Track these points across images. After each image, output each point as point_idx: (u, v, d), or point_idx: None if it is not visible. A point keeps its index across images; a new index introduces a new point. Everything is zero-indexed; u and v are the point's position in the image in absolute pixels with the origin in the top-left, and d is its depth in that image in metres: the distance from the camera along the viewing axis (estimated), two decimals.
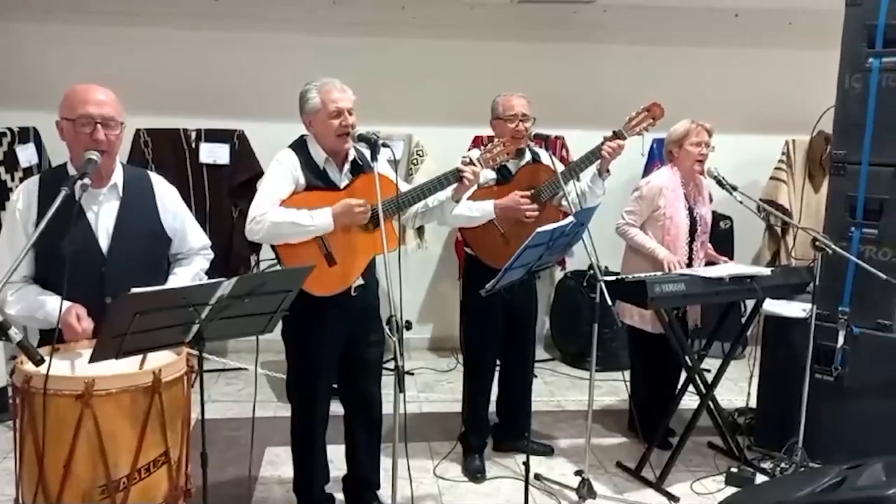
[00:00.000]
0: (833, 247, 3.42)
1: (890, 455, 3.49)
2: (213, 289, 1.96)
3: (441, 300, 5.49)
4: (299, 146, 2.89)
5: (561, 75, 5.33)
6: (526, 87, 5.16)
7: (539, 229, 2.55)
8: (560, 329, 5.48)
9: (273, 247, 2.82)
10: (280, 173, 2.79)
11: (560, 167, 3.45)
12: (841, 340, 3.64)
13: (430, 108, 4.91)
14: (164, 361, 2.17)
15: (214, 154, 4.82)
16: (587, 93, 5.29)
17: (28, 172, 4.72)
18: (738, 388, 4.73)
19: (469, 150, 4.34)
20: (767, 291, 3.53)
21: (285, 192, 2.77)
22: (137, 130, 4.77)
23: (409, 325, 2.79)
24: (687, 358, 3.61)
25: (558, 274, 5.53)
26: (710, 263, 3.88)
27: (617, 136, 3.44)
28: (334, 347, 2.95)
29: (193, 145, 4.83)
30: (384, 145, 2.71)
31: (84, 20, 4.92)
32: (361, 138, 2.77)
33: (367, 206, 2.74)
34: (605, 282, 3.20)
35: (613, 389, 4.83)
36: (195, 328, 2.06)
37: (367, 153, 2.90)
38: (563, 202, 3.39)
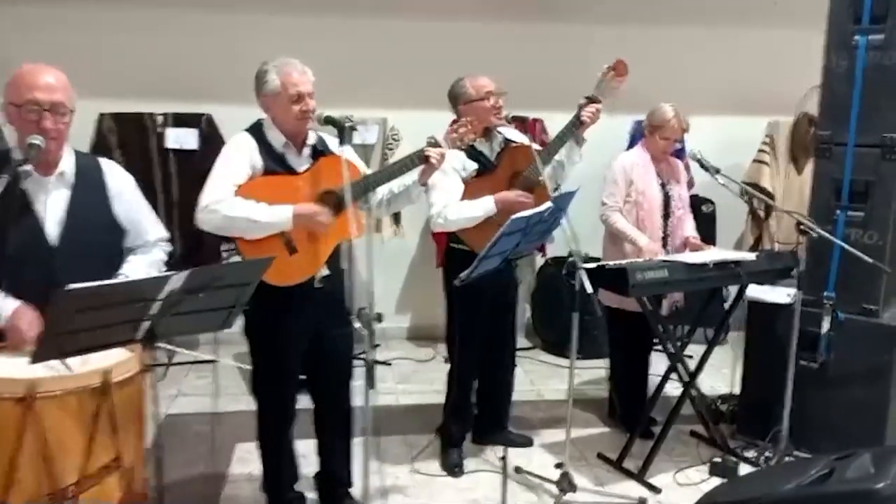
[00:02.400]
0: (818, 230, 3.34)
1: (875, 444, 3.48)
2: (161, 283, 1.82)
3: (419, 289, 5.36)
4: (256, 129, 2.75)
5: (540, 57, 5.19)
6: (504, 68, 5.02)
7: (514, 216, 2.43)
8: (541, 316, 5.38)
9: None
10: (236, 157, 2.64)
11: (526, 140, 3.33)
12: (826, 326, 3.56)
13: (405, 90, 4.76)
14: (115, 360, 2.04)
15: (181, 139, 4.65)
16: (567, 74, 5.09)
17: None
18: (721, 374, 4.65)
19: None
20: (751, 277, 3.44)
21: (241, 177, 2.62)
22: (101, 115, 4.62)
23: (379, 318, 2.63)
24: (669, 345, 3.51)
25: (539, 260, 5.43)
26: (695, 250, 3.78)
27: (591, 100, 3.35)
28: (299, 341, 2.82)
29: (159, 130, 4.67)
30: (352, 128, 2.57)
31: (44, 1, 4.72)
32: (329, 121, 2.63)
33: (328, 217, 2.64)
34: (586, 269, 3.12)
35: (595, 378, 4.74)
36: (146, 325, 1.93)
37: (329, 138, 2.81)
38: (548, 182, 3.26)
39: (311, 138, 2.78)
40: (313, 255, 2.70)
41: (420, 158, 2.79)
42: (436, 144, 2.82)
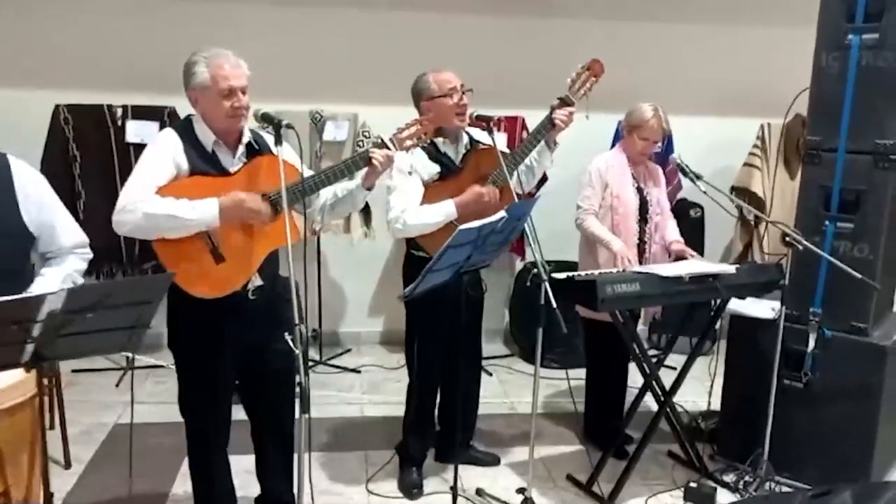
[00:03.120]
0: (804, 242, 3.13)
1: (862, 469, 3.27)
2: (37, 303, 1.61)
3: (393, 292, 5.07)
4: (184, 126, 2.53)
5: (523, 52, 4.98)
6: (485, 64, 4.83)
7: (461, 227, 2.21)
8: (519, 323, 5.16)
9: (149, 241, 2.44)
10: (158, 157, 2.42)
11: (501, 144, 3.12)
12: (812, 344, 3.35)
13: (377, 85, 4.53)
14: (1, 385, 1.82)
15: (142, 133, 4.40)
16: (551, 71, 4.85)
17: None
18: (703, 387, 4.40)
19: None
20: (732, 291, 3.23)
21: (163, 178, 2.39)
22: (57, 107, 4.38)
23: (315, 336, 2.50)
24: (644, 364, 3.30)
25: (518, 264, 5.22)
26: (679, 258, 3.57)
27: (565, 102, 3.14)
28: (230, 357, 2.60)
29: (119, 123, 4.43)
30: (289, 126, 2.36)
31: None
32: (265, 118, 2.42)
33: (260, 202, 2.41)
34: (553, 280, 2.91)
35: (574, 389, 4.50)
36: (30, 348, 1.71)
37: (269, 137, 2.60)
38: (516, 186, 3.04)
39: (247, 136, 2.56)
40: (243, 264, 2.48)
41: (364, 160, 2.58)
42: (382, 145, 2.61)
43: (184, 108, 4.52)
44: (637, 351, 3.27)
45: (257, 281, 2.55)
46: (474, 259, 2.46)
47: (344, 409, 4.19)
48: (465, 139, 3.22)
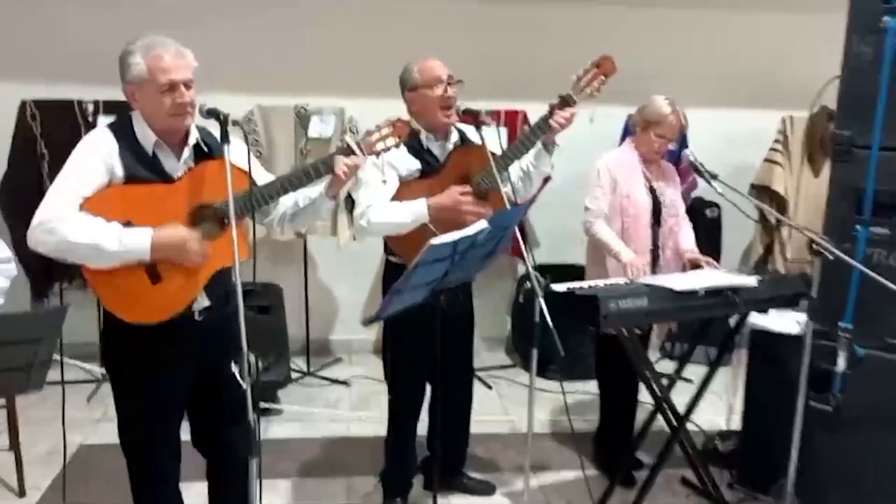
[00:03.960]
0: (833, 250, 2.77)
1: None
2: None
3: None
4: (121, 125, 2.21)
5: (525, 41, 4.66)
6: (483, 53, 4.52)
7: (433, 241, 1.89)
8: (522, 331, 4.83)
9: None
10: (86, 162, 2.10)
11: (494, 145, 2.79)
12: (841, 363, 2.99)
13: (365, 76, 4.21)
14: None
15: None
16: (555, 61, 4.53)
17: None
18: (722, 402, 4.09)
19: None
20: (752, 305, 2.90)
21: (91, 187, 2.08)
22: (23, 102, 4.10)
23: (267, 367, 2.27)
24: (655, 386, 2.97)
25: (520, 268, 4.89)
26: (694, 267, 3.23)
27: (566, 102, 2.80)
28: (177, 386, 2.30)
29: (91, 119, 4.15)
30: (234, 123, 2.05)
31: None
32: (211, 113, 2.11)
33: (202, 244, 2.13)
34: (550, 294, 2.60)
35: (579, 405, 4.20)
36: None
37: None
38: (501, 191, 2.70)
39: (193, 137, 2.25)
40: (184, 284, 2.17)
41: (326, 168, 2.26)
42: (348, 151, 2.29)
43: None
44: (647, 372, 2.94)
45: (204, 301, 2.24)
46: (454, 276, 2.14)
47: (329, 427, 3.89)
48: (456, 137, 2.90)
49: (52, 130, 4.13)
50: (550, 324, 2.41)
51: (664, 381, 3.31)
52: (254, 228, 2.32)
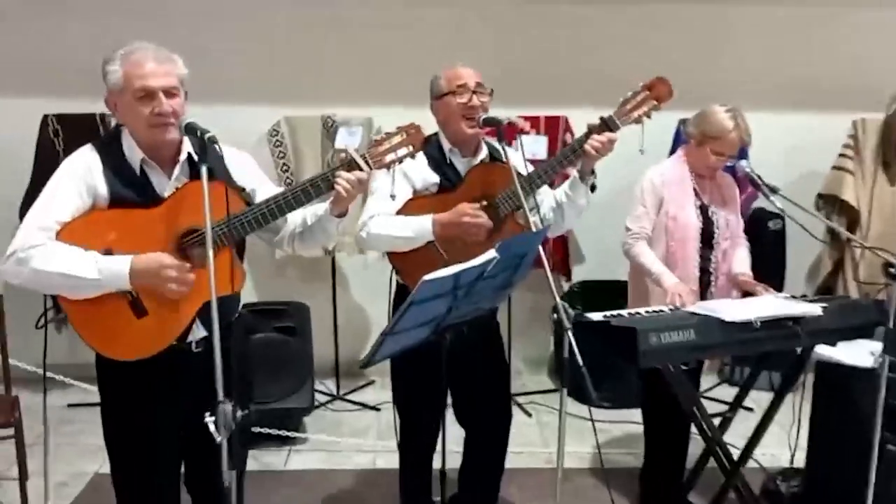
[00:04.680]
0: None
1: None
2: None
3: None
4: (109, 142, 2.03)
5: (564, 40, 4.36)
6: (519, 54, 4.25)
7: (426, 277, 1.61)
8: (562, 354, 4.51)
9: None
10: (64, 186, 1.93)
11: (520, 164, 2.51)
12: None
13: (394, 85, 3.98)
14: None
15: None
16: (600, 61, 4.30)
17: None
18: (785, 433, 3.71)
19: None
20: (817, 337, 2.55)
21: (67, 212, 1.91)
22: (45, 116, 4.00)
23: (249, 415, 2.02)
24: (706, 427, 2.64)
25: (564, 285, 4.58)
26: (747, 294, 2.89)
27: (606, 125, 2.46)
28: (171, 426, 2.09)
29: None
30: (212, 141, 1.82)
31: None
32: (189, 129, 1.89)
33: (182, 274, 1.90)
34: (583, 324, 2.31)
35: (625, 437, 3.86)
36: None
37: (226, 149, 2.08)
38: (528, 217, 2.40)
39: (186, 149, 2.05)
40: (172, 317, 1.96)
41: (327, 184, 2.02)
42: (351, 165, 2.04)
43: (186, 113, 4.14)
44: (697, 412, 2.61)
45: (200, 331, 2.04)
46: (461, 312, 1.86)
47: (354, 458, 3.65)
48: (485, 153, 2.62)
49: (74, 145, 3.91)
50: (580, 361, 2.12)
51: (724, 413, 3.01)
52: (236, 255, 2.08)
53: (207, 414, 1.72)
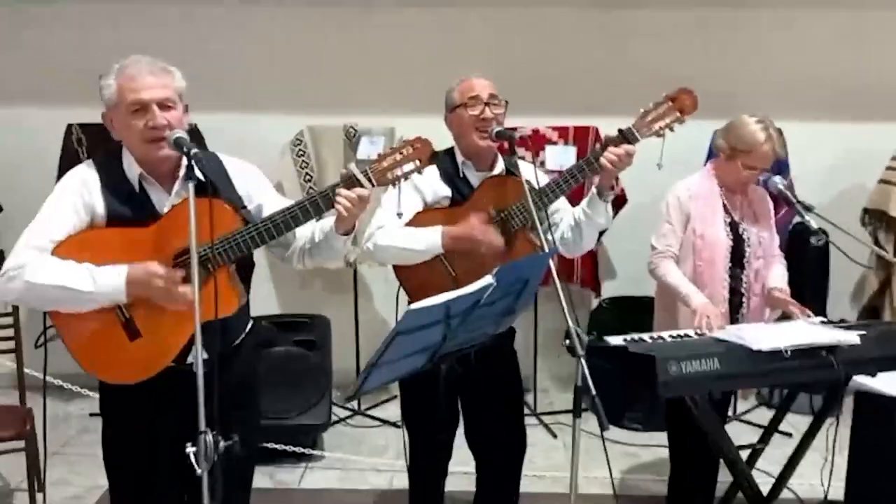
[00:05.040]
0: None
1: None
2: None
3: None
4: (109, 158, 1.98)
5: (593, 48, 4.24)
6: (546, 62, 4.13)
7: (412, 306, 1.50)
8: (592, 371, 4.35)
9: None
10: (59, 203, 1.90)
11: (530, 173, 2.39)
12: None
13: (416, 94, 3.88)
14: None
15: None
16: (630, 69, 4.15)
17: None
18: (823, 460, 3.50)
19: None
20: (854, 368, 2.37)
21: (62, 230, 1.87)
22: (69, 126, 4.01)
23: (233, 446, 1.94)
24: (734, 461, 2.47)
25: (594, 302, 4.42)
26: (783, 318, 2.72)
27: (624, 137, 2.32)
28: (171, 449, 2.00)
29: None
30: (197, 161, 1.75)
31: None
32: (177, 144, 1.82)
33: (175, 283, 1.83)
34: (599, 349, 2.18)
35: (656, 462, 3.69)
36: None
37: (232, 161, 2.11)
38: (540, 234, 2.27)
39: (185, 166, 1.97)
40: (166, 340, 1.89)
41: (326, 202, 1.92)
42: (352, 182, 1.94)
43: (208, 124, 4.11)
44: (722, 445, 2.44)
45: (202, 353, 1.95)
46: (458, 341, 1.74)
47: (370, 478, 3.55)
48: (501, 167, 2.50)
49: (97, 153, 4.01)
50: (593, 391, 2.01)
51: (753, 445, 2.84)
52: (234, 275, 2.00)
53: (189, 444, 1.65)
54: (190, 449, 1.63)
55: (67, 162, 4.02)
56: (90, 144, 4.00)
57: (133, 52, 2.20)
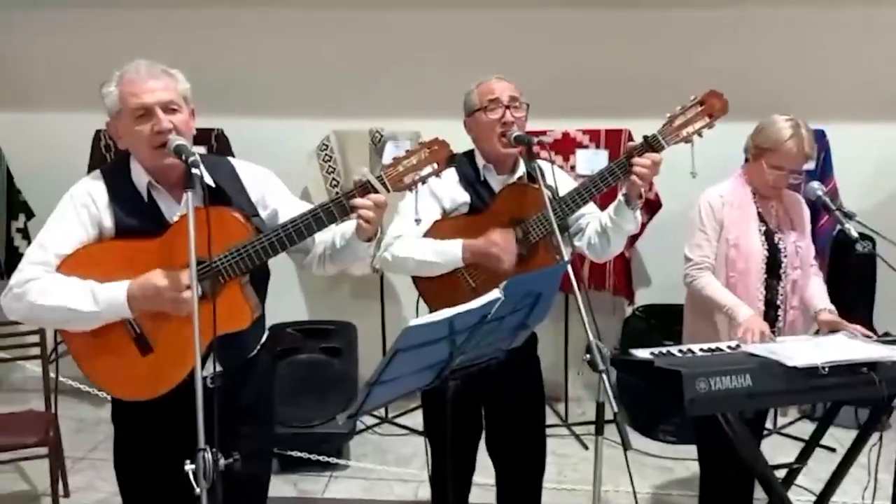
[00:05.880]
0: None
1: None
2: None
3: None
4: (117, 168, 1.94)
5: (625, 48, 4.09)
6: (575, 64, 4.02)
7: (412, 323, 1.43)
8: (623, 381, 4.22)
9: None
10: (64, 217, 1.85)
11: (567, 182, 2.31)
12: None
13: (441, 97, 3.79)
14: None
15: None
16: (664, 70, 4.00)
17: None
18: (868, 477, 3.33)
19: None
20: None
21: (68, 244, 1.83)
22: (98, 131, 4.02)
23: (233, 461, 1.88)
24: (767, 479, 2.34)
25: (627, 310, 4.29)
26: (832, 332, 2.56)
27: (650, 145, 2.21)
28: (180, 464, 1.96)
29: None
30: (193, 165, 1.69)
31: (44, 3, 4.19)
32: (178, 151, 1.76)
33: (178, 286, 1.76)
34: (623, 363, 2.09)
35: (690, 476, 3.56)
36: None
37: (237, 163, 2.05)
38: (560, 245, 2.17)
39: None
40: (178, 355, 1.82)
41: (341, 210, 1.86)
42: (366, 188, 1.86)
43: (234, 130, 4.09)
44: (757, 465, 2.31)
45: (213, 366, 1.91)
46: (469, 356, 1.66)
47: (395, 488, 3.49)
48: (522, 171, 2.41)
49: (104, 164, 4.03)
50: (615, 407, 1.91)
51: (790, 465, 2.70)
52: (247, 287, 1.94)
53: (188, 462, 1.59)
54: (189, 467, 1.57)
55: (96, 167, 4.00)
56: (118, 149, 3.99)
57: (160, 57, 2.18)
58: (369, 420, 4.12)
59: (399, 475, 3.60)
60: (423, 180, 1.94)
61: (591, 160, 3.86)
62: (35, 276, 1.79)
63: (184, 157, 1.71)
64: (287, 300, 4.11)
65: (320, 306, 4.38)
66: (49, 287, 1.78)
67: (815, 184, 2.55)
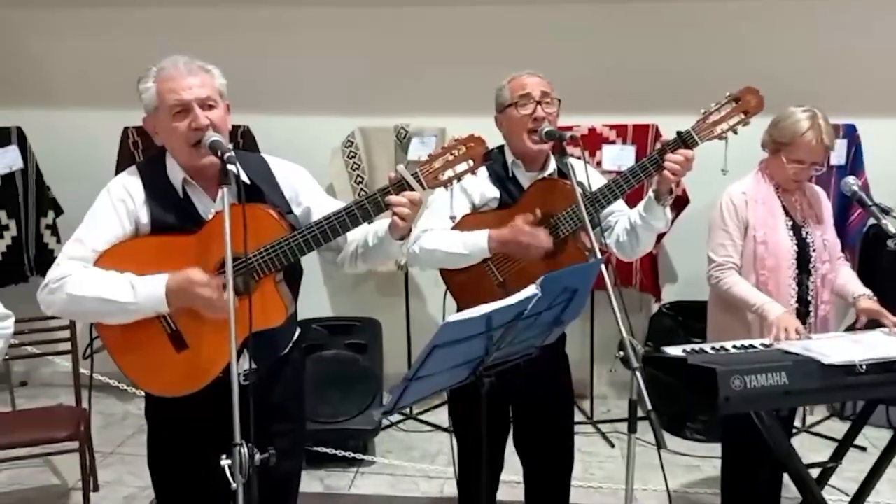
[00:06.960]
0: None
1: None
2: None
3: None
4: (153, 165, 1.94)
5: (653, 42, 4.06)
6: (603, 58, 4.00)
7: (449, 319, 1.42)
8: (652, 379, 4.19)
9: None
10: (101, 213, 1.87)
11: (597, 178, 2.29)
12: None
13: (467, 93, 3.78)
14: None
15: None
16: (692, 64, 3.97)
17: (8, 179, 4.12)
18: None
19: None
20: None
21: (104, 240, 1.84)
22: (125, 129, 4.05)
23: (268, 456, 1.89)
24: (802, 477, 2.31)
25: (654, 306, 4.26)
26: (872, 324, 2.51)
27: (683, 141, 2.19)
28: (219, 465, 1.97)
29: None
30: (229, 161, 1.69)
31: (71, 2, 4.23)
32: (213, 147, 1.77)
33: (216, 287, 1.77)
34: (656, 360, 2.07)
35: (717, 473, 3.51)
36: None
37: (279, 163, 2.05)
38: (592, 239, 2.15)
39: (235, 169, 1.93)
40: (213, 352, 1.83)
41: (376, 208, 1.85)
42: (401, 186, 1.85)
43: (259, 126, 4.10)
44: (792, 464, 2.29)
45: (246, 363, 1.91)
46: (504, 352, 1.65)
47: (421, 485, 3.49)
48: (553, 168, 2.40)
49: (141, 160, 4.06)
50: (649, 405, 1.90)
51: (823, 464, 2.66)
52: (282, 284, 1.94)
53: (224, 456, 1.60)
54: (224, 461, 1.57)
55: (124, 165, 4.03)
56: (146, 147, 4.03)
57: (187, 55, 2.20)
58: (394, 416, 4.12)
59: (425, 471, 3.60)
60: (459, 178, 1.94)
61: (618, 156, 3.83)
62: (72, 272, 1.80)
63: (220, 154, 1.71)
64: (312, 297, 4.09)
65: (345, 303, 4.39)
66: (87, 279, 1.79)
67: (851, 178, 2.51)
